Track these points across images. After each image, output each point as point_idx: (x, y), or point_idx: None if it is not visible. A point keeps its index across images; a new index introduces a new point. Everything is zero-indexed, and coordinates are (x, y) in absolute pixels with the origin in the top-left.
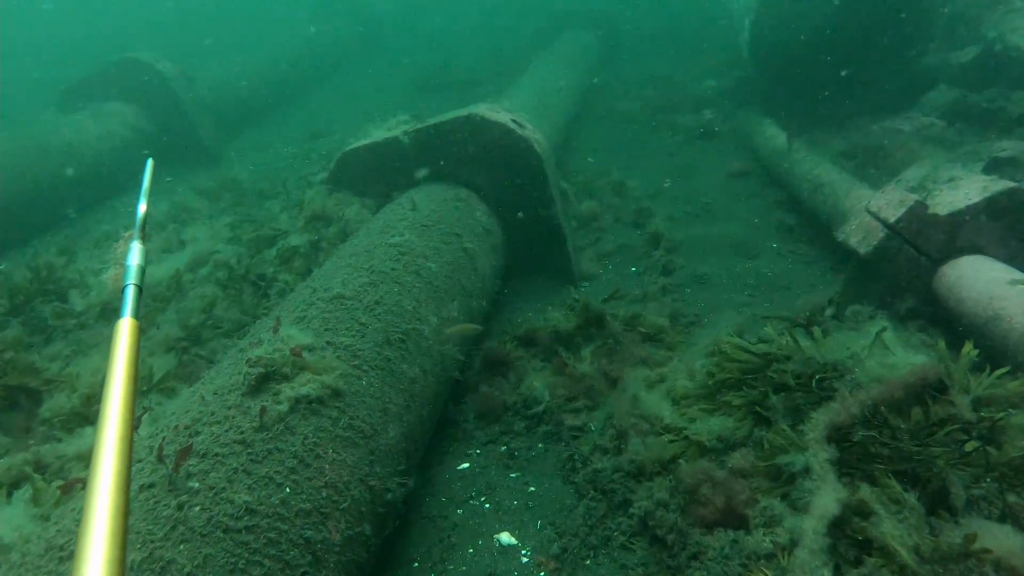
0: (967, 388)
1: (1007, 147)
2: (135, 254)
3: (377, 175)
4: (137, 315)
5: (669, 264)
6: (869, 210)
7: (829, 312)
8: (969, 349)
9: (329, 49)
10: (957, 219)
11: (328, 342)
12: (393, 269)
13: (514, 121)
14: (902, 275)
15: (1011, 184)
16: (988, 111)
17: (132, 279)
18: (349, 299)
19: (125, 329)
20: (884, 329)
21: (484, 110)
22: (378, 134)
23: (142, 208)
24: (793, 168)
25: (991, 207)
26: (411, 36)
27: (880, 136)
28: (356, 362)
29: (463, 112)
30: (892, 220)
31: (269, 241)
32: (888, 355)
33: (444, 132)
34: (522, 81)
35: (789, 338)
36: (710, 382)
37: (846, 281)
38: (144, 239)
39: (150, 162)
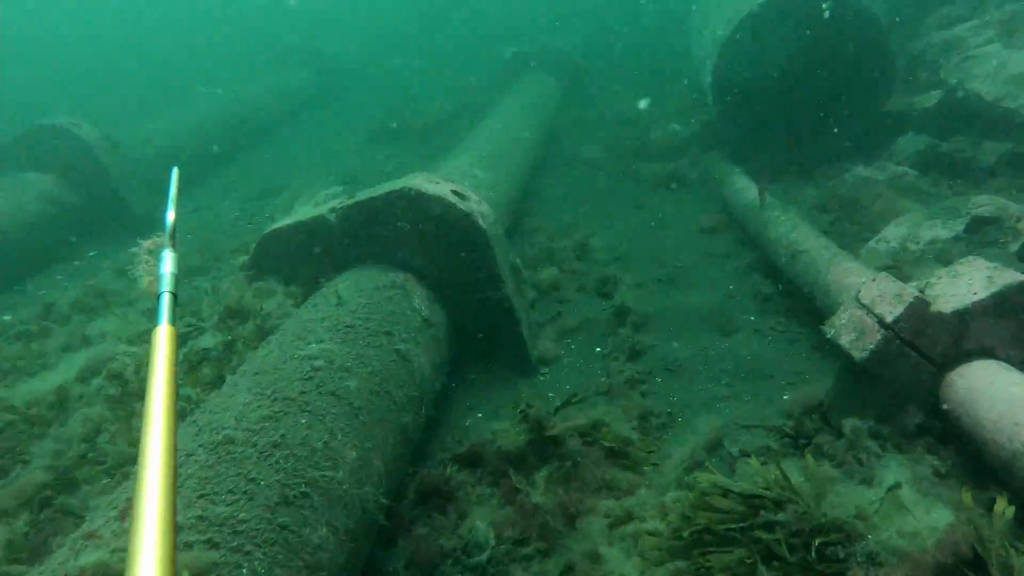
0: (1009, 566)
1: (985, 204)
2: (167, 261)
3: (304, 258)
4: (173, 321)
5: (637, 345)
6: (861, 302)
7: (819, 424)
8: (1004, 507)
9: (286, 97)
10: (963, 318)
11: (200, 516)
12: (303, 393)
13: (455, 193)
14: (903, 382)
15: (1019, 277)
16: (960, 161)
17: (166, 287)
18: (239, 444)
19: (163, 335)
20: (899, 485)
21: (421, 182)
22: (304, 211)
23: (171, 216)
24: (767, 229)
25: (1000, 304)
26: (373, 79)
27: (854, 187)
28: (235, 542)
29: (397, 185)
30: (890, 319)
31: (179, 340)
32: (905, 515)
33: (375, 209)
34: (480, 129)
35: (777, 472)
36: (684, 533)
37: (837, 385)
38: (174, 246)
39: (175, 171)
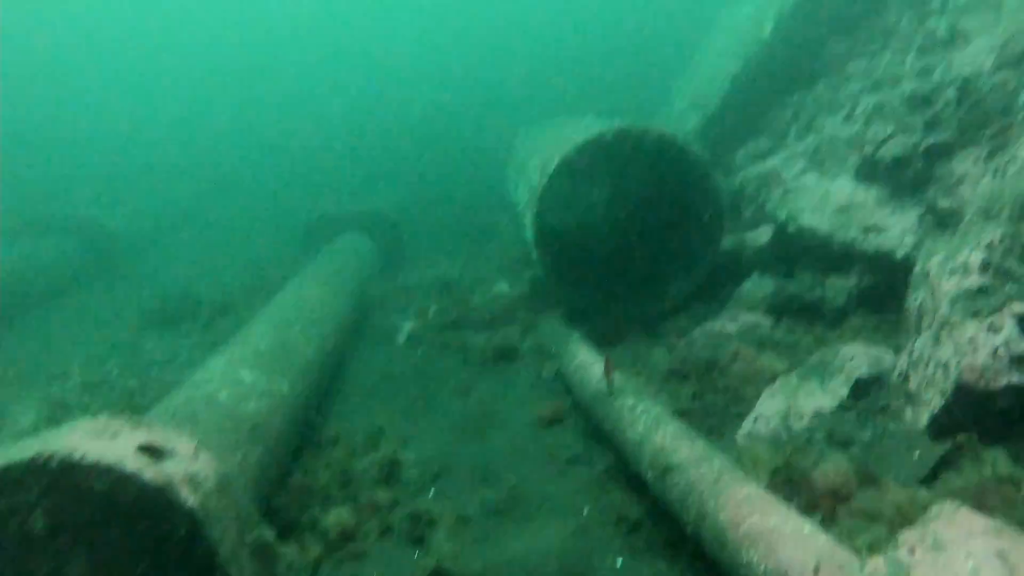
0: None
1: (856, 356)
2: None
3: None
4: None
5: None
6: None
7: None
8: None
9: (43, 273)
10: None
11: None
12: None
13: (146, 450)
14: None
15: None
16: (810, 303)
17: None
18: None
19: None
20: None
21: (80, 437)
22: None
23: None
24: (622, 426)
25: None
26: (158, 249)
27: (706, 345)
28: None
29: (37, 450)
30: None
31: None
32: None
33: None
34: (270, 308)
35: None
36: None
37: None
38: None
39: None
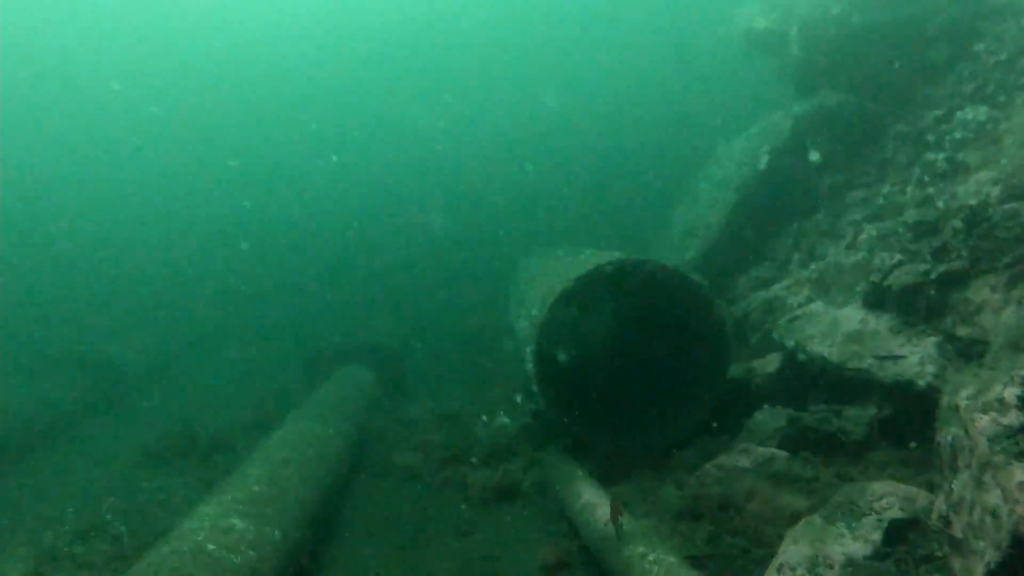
0: None
1: (887, 495)
2: None
3: None
4: None
5: None
6: None
7: None
8: None
9: (48, 411)
10: None
11: None
12: None
13: None
14: None
15: None
16: (828, 435)
17: None
18: None
19: None
20: None
21: None
22: None
23: None
24: None
25: None
26: (162, 387)
27: (719, 480)
28: None
29: None
30: None
31: None
32: None
33: None
34: (265, 447)
35: None
36: None
37: None
38: None
39: None
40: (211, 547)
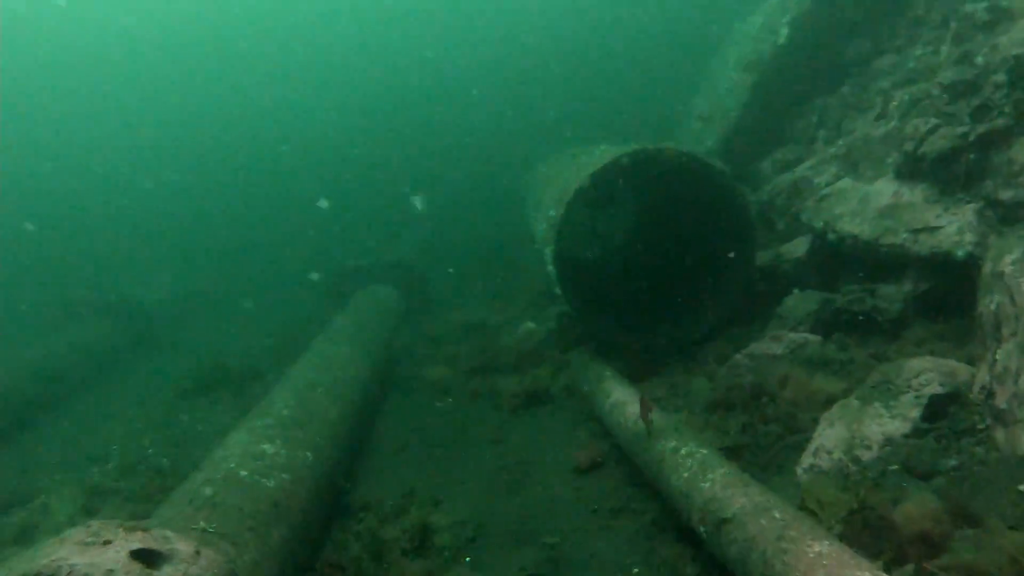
0: None
1: (926, 371)
2: None
3: None
4: None
5: None
6: None
7: None
8: None
9: (85, 355)
10: None
11: None
12: None
13: (141, 555)
14: None
15: None
16: (862, 315)
17: None
18: None
19: None
20: None
21: (73, 550)
22: None
23: None
24: (665, 473)
25: None
26: (190, 325)
27: (751, 369)
28: None
29: (23, 570)
30: None
31: None
32: None
33: None
34: (293, 371)
35: None
36: None
37: None
38: None
39: None
40: (243, 473)
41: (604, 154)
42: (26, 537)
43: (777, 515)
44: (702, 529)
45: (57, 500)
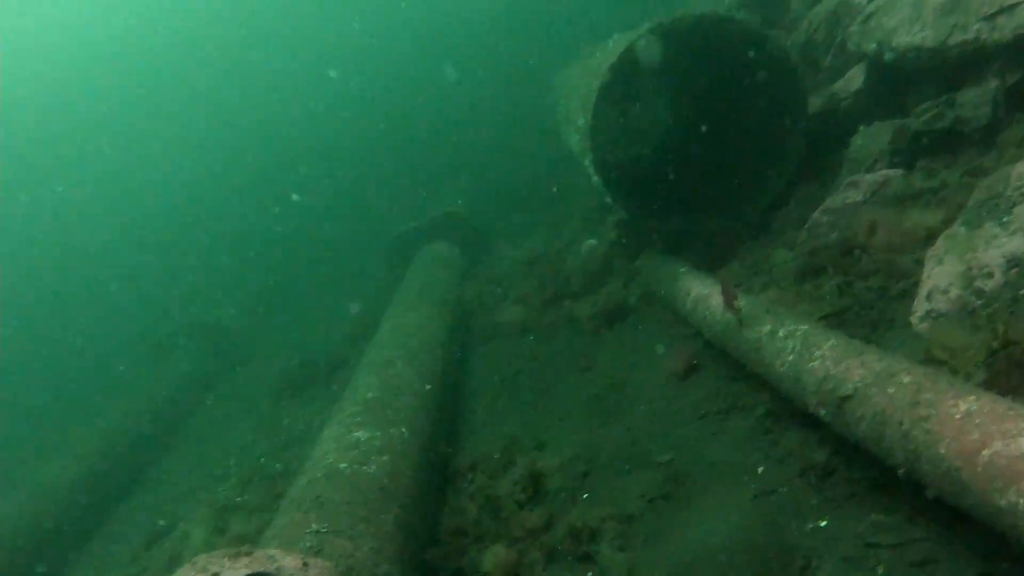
0: None
1: None
2: None
3: None
4: None
5: None
6: None
7: None
8: None
9: (187, 384)
10: None
11: None
12: None
13: None
14: None
15: None
16: (945, 131)
17: None
18: None
19: None
20: None
21: None
22: None
23: None
24: (771, 363)
25: None
26: (268, 334)
27: (833, 224)
28: None
29: None
30: None
31: None
32: None
33: None
34: (369, 353)
35: None
36: None
37: None
38: None
39: None
40: (343, 466)
41: (618, 44)
42: (174, 567)
43: (905, 379)
44: (822, 412)
45: (193, 525)
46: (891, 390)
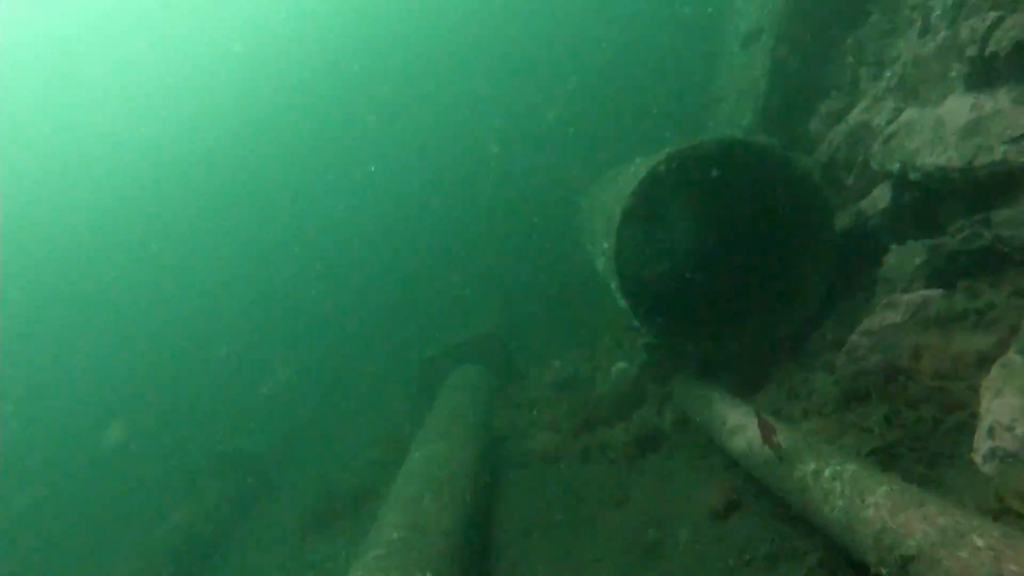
0: None
1: None
2: None
3: None
4: None
5: None
6: None
7: None
8: None
9: (213, 519)
10: None
11: None
12: None
13: None
14: None
15: None
16: (984, 251)
17: None
18: None
19: None
20: None
21: None
22: None
23: None
24: (817, 506)
25: None
26: (296, 461)
27: (874, 347)
28: None
29: None
30: None
31: None
32: None
33: None
34: (396, 485)
35: None
36: None
37: None
38: None
39: None
40: None
41: (640, 167)
42: None
43: (979, 541)
44: (884, 573)
45: None
46: (963, 554)
